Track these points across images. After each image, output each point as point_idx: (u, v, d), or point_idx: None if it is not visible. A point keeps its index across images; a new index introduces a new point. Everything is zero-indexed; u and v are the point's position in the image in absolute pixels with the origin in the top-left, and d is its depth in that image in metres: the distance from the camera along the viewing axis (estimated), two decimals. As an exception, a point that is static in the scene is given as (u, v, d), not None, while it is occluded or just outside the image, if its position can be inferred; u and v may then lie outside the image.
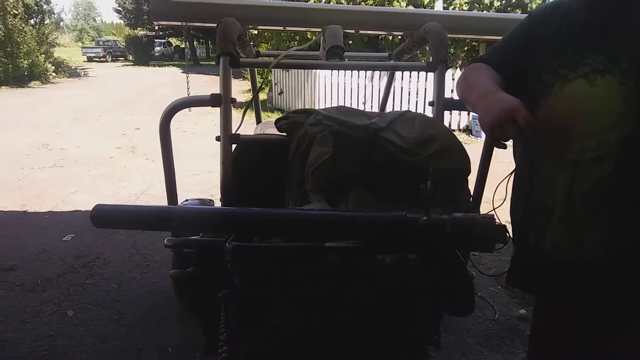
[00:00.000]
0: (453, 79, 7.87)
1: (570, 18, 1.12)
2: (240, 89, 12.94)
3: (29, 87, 15.87)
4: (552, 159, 1.09)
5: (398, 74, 7.86)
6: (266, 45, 10.67)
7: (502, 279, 2.99)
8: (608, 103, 0.99)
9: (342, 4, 9.20)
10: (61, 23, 25.62)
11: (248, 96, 11.90)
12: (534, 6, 9.11)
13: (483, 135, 1.70)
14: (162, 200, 4.44)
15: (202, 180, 5.11)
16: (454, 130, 7.29)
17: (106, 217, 1.09)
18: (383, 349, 1.25)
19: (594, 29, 1.06)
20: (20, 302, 2.75)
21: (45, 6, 19.85)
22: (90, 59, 33.11)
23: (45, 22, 19.60)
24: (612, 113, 0.98)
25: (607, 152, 0.98)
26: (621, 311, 1.04)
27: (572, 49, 1.09)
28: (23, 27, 16.70)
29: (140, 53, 30.81)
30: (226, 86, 1.51)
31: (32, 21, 18.54)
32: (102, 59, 33.87)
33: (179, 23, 1.78)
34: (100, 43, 37.46)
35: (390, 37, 8.83)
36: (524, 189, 1.22)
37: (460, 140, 1.48)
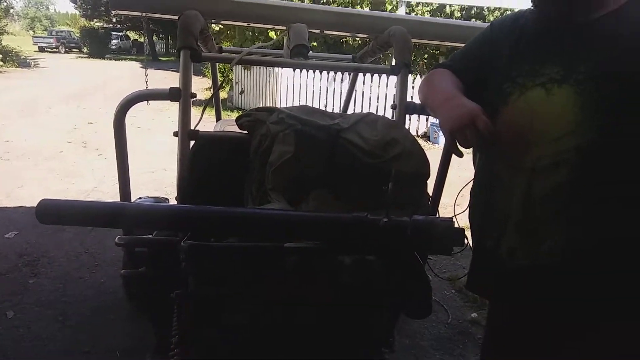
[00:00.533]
0: (413, 87, 8.02)
1: (530, 29, 1.15)
2: (200, 87, 12.72)
3: (-27, 75, 15.04)
4: (510, 166, 1.11)
5: (360, 77, 7.93)
6: (229, 43, 10.53)
7: (456, 283, 3.05)
8: (564, 112, 1.01)
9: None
10: (11, 10, 24.40)
11: (208, 94, 11.70)
12: (491, 18, 9.42)
13: (441, 141, 1.72)
14: (113, 198, 4.28)
15: (156, 177, 4.98)
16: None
17: (53, 212, 1.03)
18: (340, 350, 1.24)
19: (552, 40, 1.09)
20: (-45, 302, 2.58)
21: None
22: (42, 49, 31.69)
23: (-6, 8, 18.64)
24: (569, 121, 1.00)
25: (563, 159, 1.00)
26: (589, 313, 1.06)
27: (531, 59, 1.11)
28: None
29: (95, 45, 29.79)
30: (186, 80, 1.46)
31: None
32: (55, 49, 32.50)
33: (139, 13, 1.72)
34: (54, 33, 35.94)
35: (352, 42, 8.91)
36: (483, 196, 1.23)
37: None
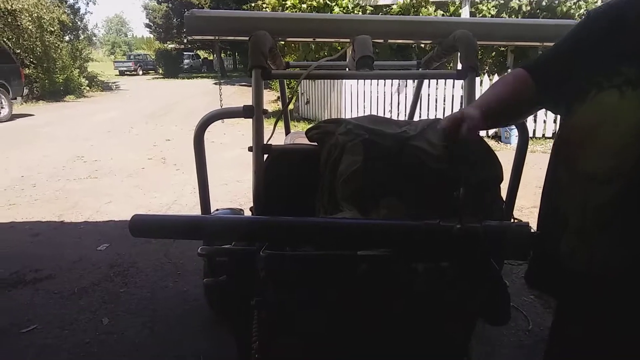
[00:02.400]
0: (481, 86, 7.80)
1: (619, 22, 1.06)
2: (267, 99, 13.10)
3: (64, 101, 16.41)
4: (571, 170, 1.06)
5: (426, 81, 7.83)
6: (293, 56, 10.77)
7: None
8: (633, 119, 0.94)
9: (368, 13, 9.25)
10: (94, 38, 26.45)
11: (275, 106, 12.02)
12: (563, 10, 8.93)
13: (513, 141, 1.68)
14: (192, 210, 4.51)
15: (231, 189, 5.18)
16: (482, 137, 7.19)
17: (144, 226, 1.12)
18: (415, 357, 1.24)
19: (635, 38, 1.01)
20: (58, 310, 2.83)
21: (79, 23, 20.53)
22: (122, 73, 34.09)
23: (80, 38, 20.27)
24: (635, 131, 0.93)
25: (622, 170, 0.94)
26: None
27: (612, 56, 1.04)
28: (58, 44, 17.33)
29: (169, 66, 31.62)
30: (258, 98, 1.54)
31: (67, 37, 19.21)
32: (133, 72, 34.83)
33: (212, 37, 1.83)
34: (132, 57, 38.61)
35: (417, 47, 8.80)
36: (546, 197, 1.19)
37: (490, 146, 1.47)
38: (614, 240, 0.96)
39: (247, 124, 1.56)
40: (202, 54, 41.73)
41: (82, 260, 3.53)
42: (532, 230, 0.85)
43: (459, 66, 1.70)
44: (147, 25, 42.80)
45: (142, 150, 7.56)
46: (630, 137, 0.93)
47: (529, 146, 1.75)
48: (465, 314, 1.17)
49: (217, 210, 2.65)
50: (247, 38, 1.64)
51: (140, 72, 35.32)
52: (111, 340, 2.54)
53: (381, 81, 8.85)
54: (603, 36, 1.07)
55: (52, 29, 16.89)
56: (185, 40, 35.85)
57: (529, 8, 9.26)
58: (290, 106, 11.75)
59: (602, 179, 0.96)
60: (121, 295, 3.01)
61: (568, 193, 1.06)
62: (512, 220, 1.33)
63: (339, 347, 1.29)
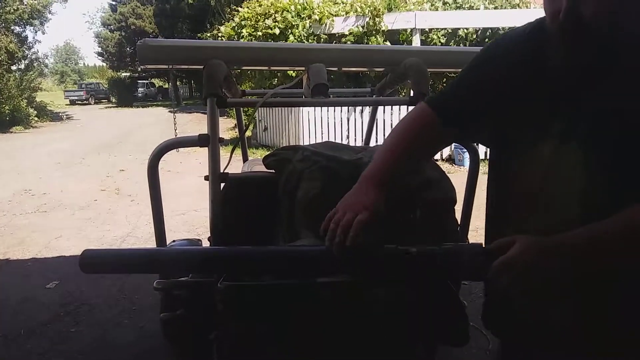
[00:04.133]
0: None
1: (543, 63, 0.96)
2: (225, 127, 13.03)
3: (11, 132, 15.76)
4: (516, 227, 0.99)
5: (380, 108, 8.01)
6: (249, 83, 10.81)
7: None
8: (571, 175, 0.90)
9: (322, 42, 9.43)
10: (43, 68, 25.73)
11: (233, 133, 11.97)
12: (507, 38, 9.40)
13: (467, 164, 1.74)
14: (148, 242, 4.38)
15: (188, 219, 5.07)
16: (436, 160, 7.39)
17: (95, 261, 1.08)
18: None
19: (566, 86, 0.93)
20: (3, 354, 2.65)
21: (27, 52, 19.91)
22: (73, 102, 33.15)
23: (30, 69, 19.64)
24: (576, 187, 0.89)
25: (568, 227, 0.88)
26: None
27: (539, 103, 0.97)
28: (4, 74, 16.73)
29: (123, 95, 31.02)
30: (214, 126, 1.53)
31: (14, 67, 18.58)
32: (85, 101, 33.93)
33: (166, 66, 1.81)
34: (83, 86, 37.63)
35: (371, 73, 9.03)
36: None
37: (444, 169, 1.51)
38: (566, 303, 0.94)
39: (203, 151, 1.54)
40: (157, 82, 41.21)
41: (30, 300, 3.33)
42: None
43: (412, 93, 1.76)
44: (99, 54, 42.08)
45: (94, 182, 7.32)
46: (571, 195, 0.90)
47: (482, 168, 1.81)
48: (425, 335, 1.18)
49: (174, 241, 2.59)
50: (201, 67, 1.64)
51: (93, 102, 34.43)
52: (62, 384, 2.39)
53: (338, 108, 8.99)
54: (519, 76, 1.00)
55: (-1, 58, 16.34)
56: (139, 69, 35.39)
57: (475, 36, 9.72)
58: (249, 133, 11.73)
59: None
60: (72, 336, 2.85)
61: None
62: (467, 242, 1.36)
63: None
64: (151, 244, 1.67)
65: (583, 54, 0.89)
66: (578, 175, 0.88)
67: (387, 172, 1.08)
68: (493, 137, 1.11)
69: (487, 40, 9.24)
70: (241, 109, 2.96)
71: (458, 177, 1.39)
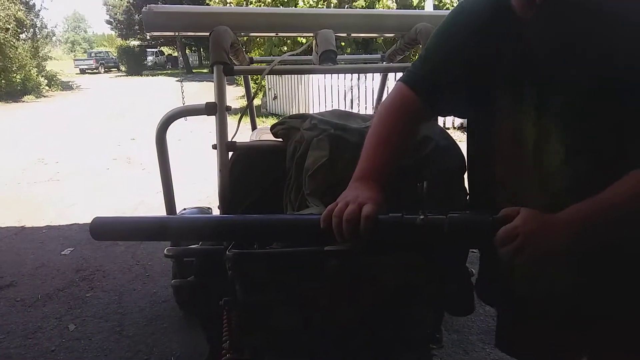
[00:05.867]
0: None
1: (515, 36, 0.93)
2: (234, 95, 12.95)
3: (23, 101, 15.84)
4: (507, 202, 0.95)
5: (391, 74, 7.89)
6: (258, 50, 10.68)
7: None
8: (550, 146, 0.90)
9: (332, 7, 9.24)
10: (52, 37, 25.56)
11: (242, 102, 11.91)
12: None
13: (477, 133, 1.72)
14: (159, 211, 4.41)
15: (200, 188, 5.11)
16: (448, 129, 7.31)
17: (105, 229, 1.09)
18: (386, 349, 1.26)
19: (530, 55, 0.91)
20: (21, 318, 2.74)
21: (35, 20, 19.80)
22: (82, 71, 33.05)
23: (38, 36, 19.57)
24: (557, 158, 0.90)
25: (557, 201, 0.88)
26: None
27: (507, 75, 0.95)
28: (14, 42, 16.69)
29: (132, 63, 30.84)
30: (221, 94, 1.51)
31: (23, 35, 18.52)
32: (95, 70, 33.84)
33: (172, 33, 1.79)
34: (92, 55, 37.44)
35: (381, 40, 8.86)
36: None
37: (455, 138, 1.49)
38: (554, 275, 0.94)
39: (214, 120, 1.53)
40: (166, 50, 40.89)
41: (45, 266, 3.42)
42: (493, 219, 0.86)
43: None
44: (108, 22, 41.75)
45: (106, 151, 7.37)
46: (553, 166, 0.91)
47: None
48: (432, 304, 1.18)
49: (184, 209, 2.62)
50: (207, 34, 1.61)
51: (102, 70, 34.31)
52: (78, 346, 2.47)
53: (348, 76, 8.88)
54: (484, 43, 0.97)
55: (8, 26, 16.24)
56: (148, 37, 35.06)
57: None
58: (258, 102, 11.67)
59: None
60: (88, 300, 2.94)
61: None
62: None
63: (311, 342, 1.30)
64: (162, 212, 1.69)
65: (557, 27, 0.88)
66: (556, 145, 0.89)
67: (379, 169, 1.01)
68: (469, 108, 1.08)
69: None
70: (249, 76, 2.93)
71: (469, 145, 1.39)
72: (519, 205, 0.84)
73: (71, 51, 68.80)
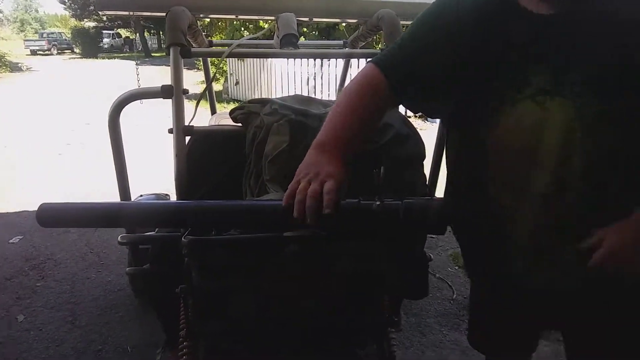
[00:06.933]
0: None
1: (510, 22, 0.92)
2: (194, 80, 12.66)
3: (-33, 82, 14.99)
4: (513, 191, 0.96)
5: (354, 61, 7.90)
6: (220, 35, 10.46)
7: (459, 259, 3.08)
8: (564, 128, 0.87)
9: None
10: (0, 15, 24.21)
11: (203, 87, 11.64)
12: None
13: (438, 120, 1.74)
14: (114, 198, 4.29)
15: (157, 174, 4.98)
16: (409, 117, 7.40)
17: (53, 215, 1.04)
18: (344, 333, 1.26)
19: (539, 40, 0.90)
20: (-35, 309, 2.61)
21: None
22: (34, 52, 31.47)
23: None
24: (569, 141, 0.87)
25: (569, 184, 0.89)
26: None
27: (511, 62, 0.92)
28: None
29: (87, 45, 29.64)
30: (177, 77, 1.47)
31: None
32: (47, 52, 32.31)
33: (126, 13, 1.71)
34: (45, 35, 35.66)
35: (343, 27, 8.84)
36: (485, 222, 1.04)
37: (416, 126, 1.50)
38: (571, 256, 0.93)
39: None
40: (123, 33, 39.45)
41: (-8, 255, 3.27)
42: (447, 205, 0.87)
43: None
44: (62, 1, 39.80)
45: (58, 136, 7.08)
46: (568, 148, 0.88)
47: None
48: (387, 288, 1.20)
49: (141, 195, 2.55)
50: (164, 14, 1.56)
51: (55, 52, 32.78)
52: (28, 337, 2.38)
53: (311, 63, 8.82)
54: (485, 31, 0.94)
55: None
56: (104, 19, 33.75)
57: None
58: (219, 87, 11.47)
59: (550, 196, 0.90)
60: (38, 290, 2.82)
61: (514, 215, 0.97)
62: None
63: (268, 328, 1.29)
64: (117, 198, 1.63)
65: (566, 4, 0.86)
66: (571, 128, 0.86)
67: (343, 138, 0.97)
68: (455, 99, 1.04)
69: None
70: (208, 60, 2.86)
71: (430, 133, 1.39)
72: (510, 201, 0.87)
73: (21, 31, 65.38)
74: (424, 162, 1.48)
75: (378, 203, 0.84)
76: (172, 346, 1.45)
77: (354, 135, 0.99)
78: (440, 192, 1.95)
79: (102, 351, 2.27)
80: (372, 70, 1.04)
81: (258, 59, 9.38)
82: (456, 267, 3.04)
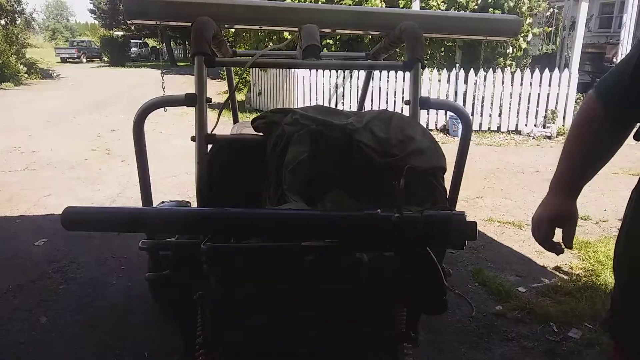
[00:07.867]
0: (430, 80, 7.99)
1: None
2: (218, 90, 12.84)
3: (0, 88, 15.46)
4: None
5: (376, 73, 7.90)
6: (244, 46, 10.60)
7: (479, 275, 3.03)
8: None
9: (319, 3, 9.21)
10: (32, 23, 24.90)
11: (226, 97, 11.80)
12: (511, 5, 9.20)
13: (459, 134, 1.72)
14: (137, 203, 4.35)
15: (179, 182, 5.05)
16: (431, 130, 7.35)
17: (77, 219, 1.06)
18: (360, 347, 1.25)
19: None
20: (-10, 309, 2.67)
21: (15, 5, 19.30)
22: (64, 60, 32.42)
23: (17, 22, 19.09)
24: None
25: None
26: None
27: None
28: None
29: (115, 54, 30.38)
30: (201, 86, 1.49)
31: (1, 21, 18.06)
32: (77, 59, 33.22)
33: (153, 22, 1.75)
34: (75, 44, 36.71)
35: (366, 39, 8.87)
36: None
37: (437, 139, 1.49)
38: None
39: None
40: (150, 42, 40.36)
41: (18, 257, 3.34)
42: (468, 220, 0.85)
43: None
44: (92, 11, 40.99)
45: (85, 141, 7.24)
46: None
47: (476, 139, 1.79)
48: (408, 302, 1.18)
49: (162, 202, 2.58)
50: (190, 24, 1.59)
51: (84, 60, 33.73)
52: (49, 339, 2.41)
53: (334, 73, 8.86)
54: None
55: (-14, 11, 15.85)
56: (132, 28, 34.57)
57: (474, 5, 9.49)
58: (242, 97, 11.59)
59: None
60: (60, 293, 2.87)
61: None
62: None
63: (285, 338, 1.28)
64: (140, 204, 1.66)
65: None
66: None
67: (571, 179, 1.11)
68: None
69: (490, 9, 9.03)
70: (232, 69, 2.90)
71: (452, 147, 1.37)
72: None
73: (52, 39, 67.36)
74: (445, 175, 1.46)
75: (397, 215, 0.84)
76: (190, 353, 1.45)
77: (581, 170, 1.13)
78: (461, 206, 1.93)
79: (120, 356, 2.29)
80: (590, 98, 1.09)
81: (281, 70, 9.46)
82: (476, 284, 2.99)
